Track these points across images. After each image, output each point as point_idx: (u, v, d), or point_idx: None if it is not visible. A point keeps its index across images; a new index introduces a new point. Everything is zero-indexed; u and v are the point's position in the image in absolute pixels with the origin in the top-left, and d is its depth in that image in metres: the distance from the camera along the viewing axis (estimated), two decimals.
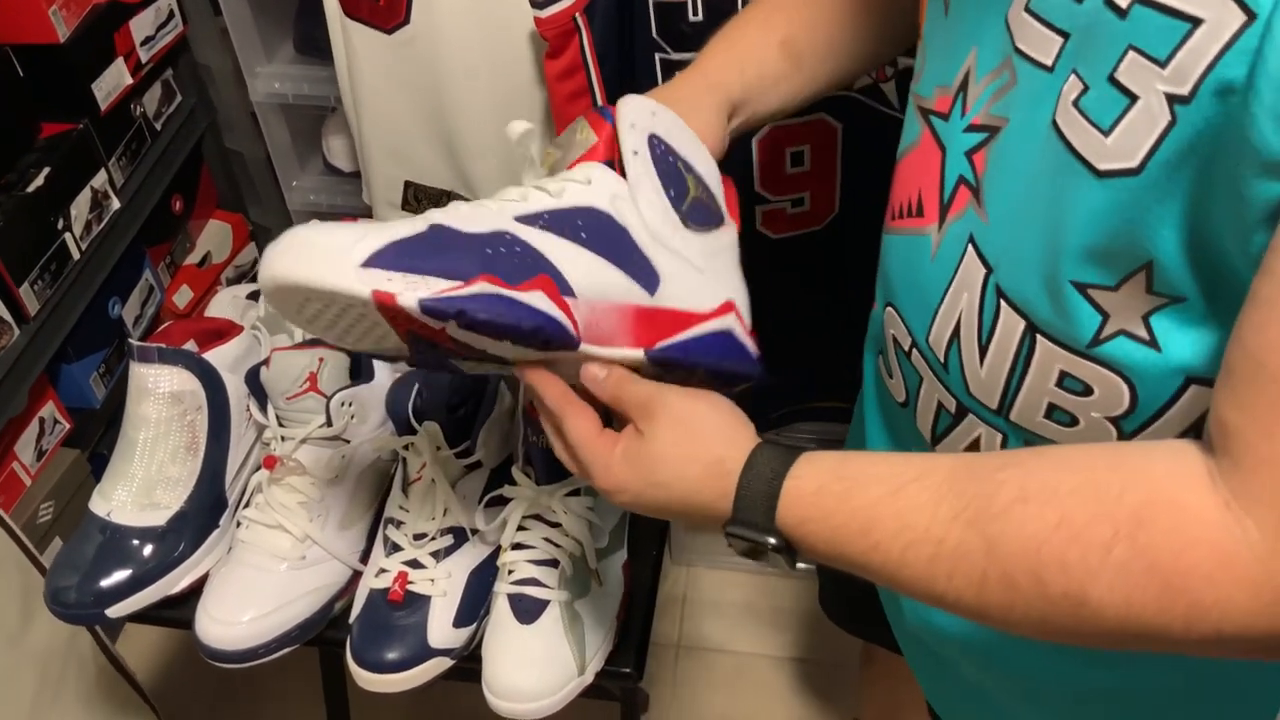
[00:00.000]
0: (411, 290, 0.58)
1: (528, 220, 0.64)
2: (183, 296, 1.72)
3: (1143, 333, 0.53)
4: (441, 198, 1.30)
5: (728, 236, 0.72)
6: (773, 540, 0.59)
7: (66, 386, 1.52)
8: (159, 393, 0.96)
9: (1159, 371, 0.54)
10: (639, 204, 0.67)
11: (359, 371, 1.00)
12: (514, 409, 0.97)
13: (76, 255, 1.45)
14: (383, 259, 0.59)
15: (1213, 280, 0.49)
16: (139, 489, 0.96)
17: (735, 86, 0.74)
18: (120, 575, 0.95)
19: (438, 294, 0.58)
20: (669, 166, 0.68)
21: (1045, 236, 0.54)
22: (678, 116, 0.70)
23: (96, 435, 1.60)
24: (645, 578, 1.00)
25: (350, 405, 0.96)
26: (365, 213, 1.38)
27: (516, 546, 0.91)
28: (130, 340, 0.97)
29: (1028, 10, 0.55)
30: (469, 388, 0.96)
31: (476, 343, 0.63)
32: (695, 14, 1.05)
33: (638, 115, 0.68)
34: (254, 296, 1.12)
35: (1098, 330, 0.54)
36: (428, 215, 0.63)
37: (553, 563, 0.90)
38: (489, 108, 1.20)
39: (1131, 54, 0.48)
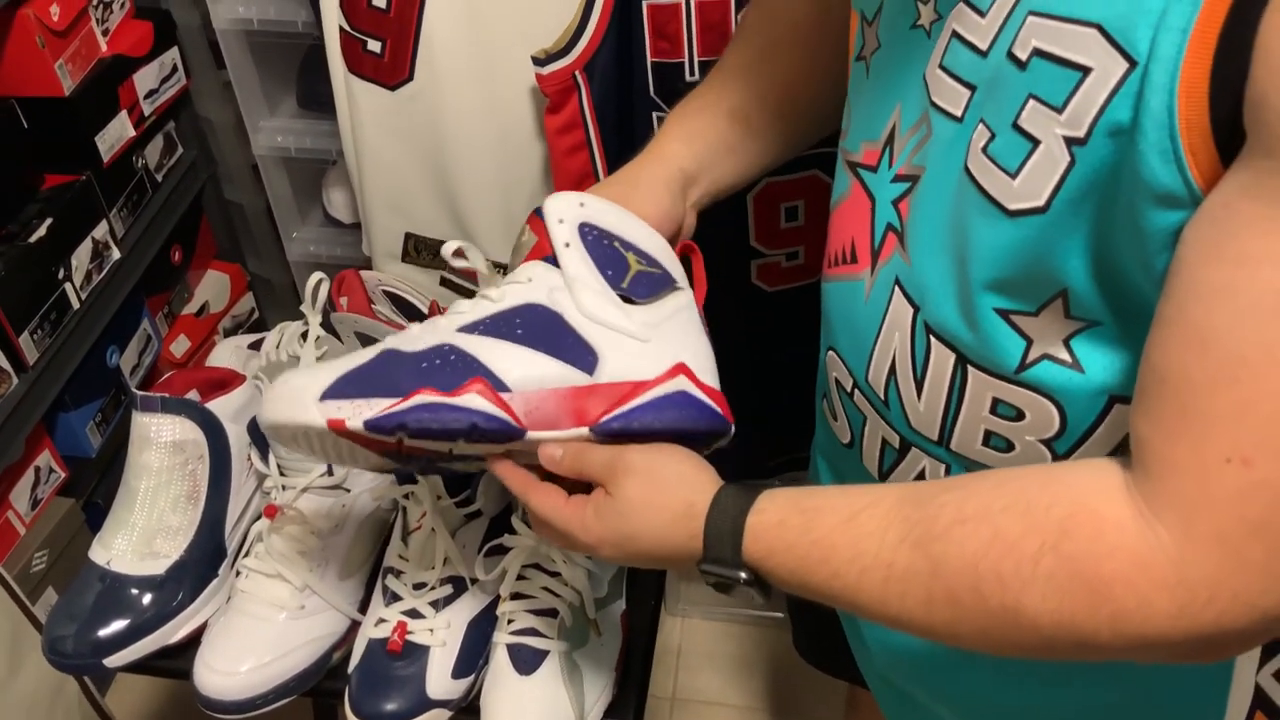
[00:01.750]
0: (357, 414, 0.67)
1: (468, 329, 0.71)
2: (180, 346, 1.73)
3: (1065, 356, 0.56)
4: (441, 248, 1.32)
5: (681, 300, 0.75)
6: (743, 575, 0.63)
7: (63, 435, 1.52)
8: (161, 442, 0.97)
9: (1083, 393, 0.57)
10: (574, 290, 0.72)
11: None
12: None
13: (76, 304, 1.46)
14: (336, 390, 0.68)
15: (1123, 305, 0.52)
16: (139, 538, 0.96)
17: (687, 159, 0.78)
18: (118, 625, 0.95)
19: (379, 413, 0.67)
20: (604, 250, 0.73)
21: (963, 273, 0.58)
22: (609, 203, 0.75)
23: (91, 484, 1.60)
24: (643, 628, 1.00)
25: None
26: (365, 264, 1.39)
27: (516, 596, 0.91)
28: (133, 390, 0.98)
29: (941, 67, 0.59)
30: None
31: (434, 446, 0.70)
32: (692, 74, 1.07)
33: (565, 211, 0.74)
34: (255, 346, 1.13)
35: (1023, 355, 0.57)
36: (383, 342, 0.72)
37: (552, 612, 0.91)
38: (490, 161, 1.22)
39: (1032, 102, 0.51)
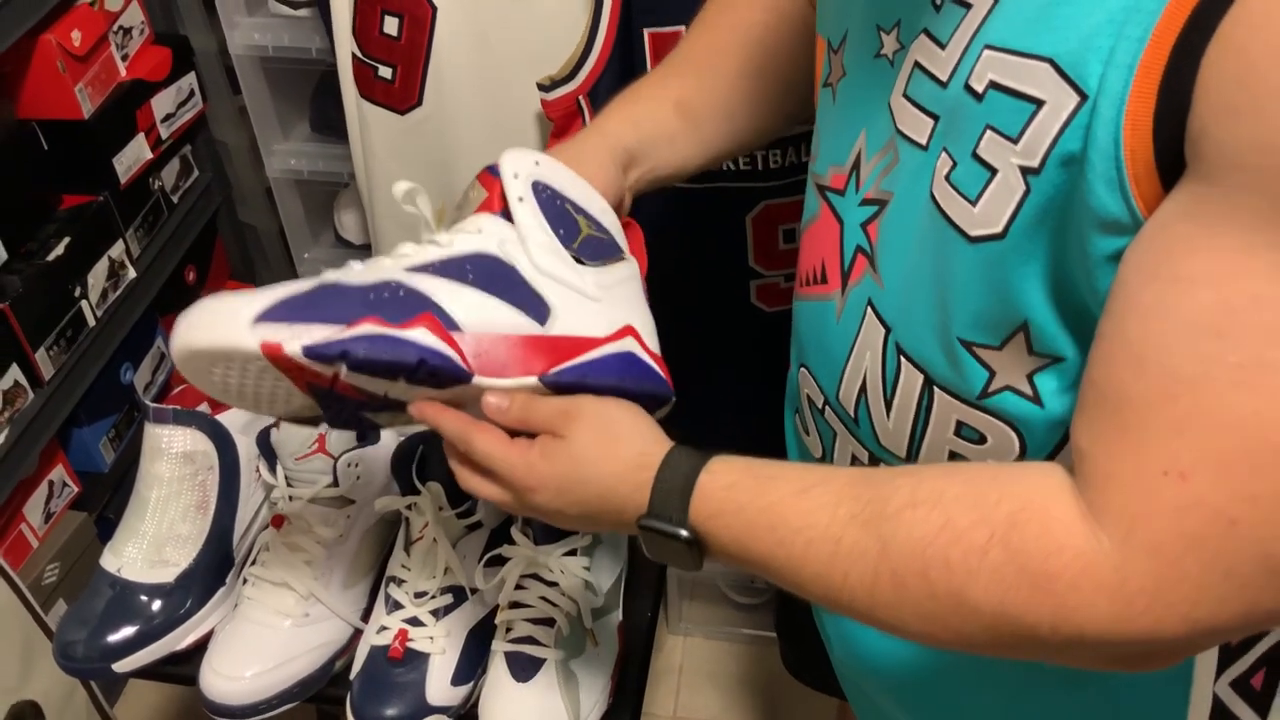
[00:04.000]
0: (296, 339, 0.62)
1: (417, 269, 0.68)
2: None
3: (1027, 389, 0.58)
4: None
5: (628, 270, 0.75)
6: (684, 533, 0.62)
7: (76, 450, 1.55)
8: (172, 452, 0.99)
9: (1041, 425, 0.58)
10: (527, 244, 0.70)
11: (365, 434, 1.03)
12: None
13: (92, 322, 1.50)
14: (272, 314, 0.63)
15: (1084, 340, 0.53)
16: (149, 546, 0.99)
17: (630, 138, 0.79)
18: (128, 631, 0.97)
19: (321, 339, 0.62)
20: (556, 209, 0.72)
21: (934, 298, 0.59)
22: (564, 165, 0.74)
23: (104, 499, 1.63)
24: (640, 639, 1.02)
25: (356, 466, 0.99)
26: None
27: (514, 605, 0.94)
28: (146, 401, 1.01)
29: (905, 96, 0.61)
30: None
31: (371, 385, 0.66)
32: None
33: (520, 166, 0.72)
34: None
35: (985, 385, 0.59)
36: (321, 276, 0.67)
37: (549, 621, 0.93)
38: None
39: (989, 133, 0.53)
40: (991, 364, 0.58)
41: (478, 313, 0.67)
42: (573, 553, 0.95)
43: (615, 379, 0.71)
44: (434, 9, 1.15)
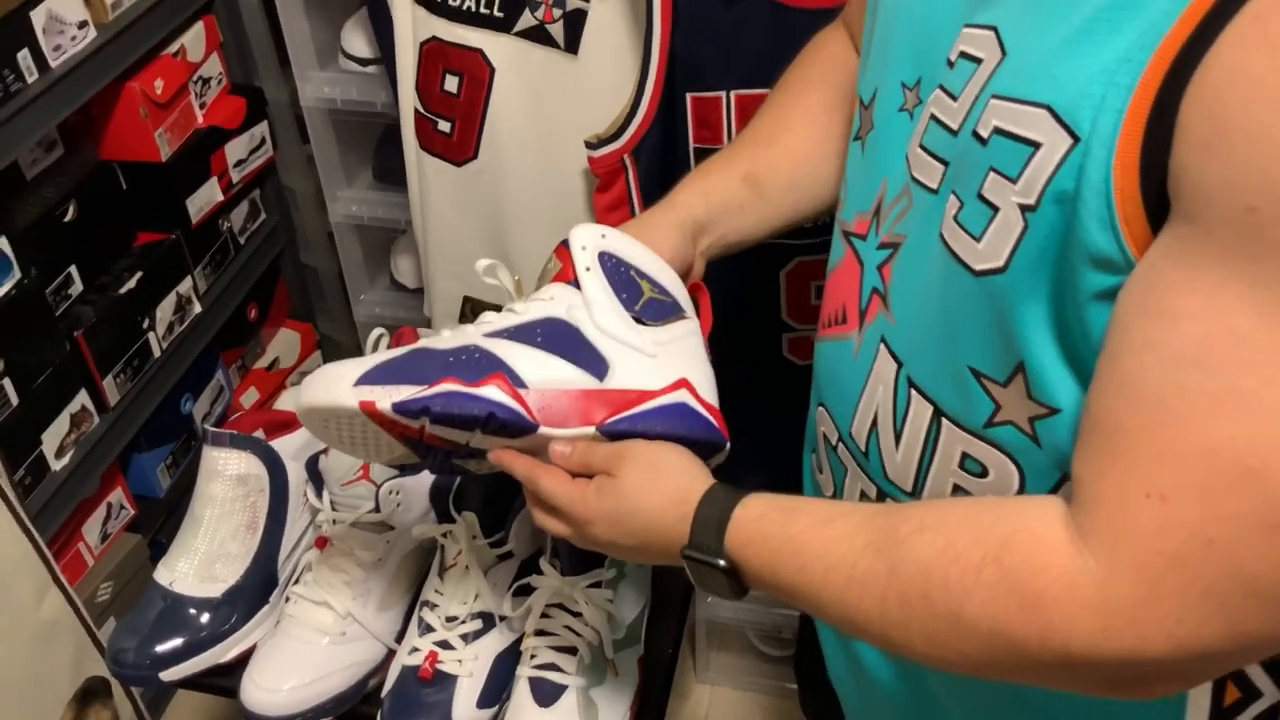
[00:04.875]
0: (387, 397, 0.73)
1: (493, 335, 0.78)
2: (249, 398, 1.84)
3: (1027, 429, 0.61)
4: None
5: (688, 327, 0.83)
6: (721, 562, 0.67)
7: (135, 475, 1.63)
8: (227, 474, 1.06)
9: (1041, 463, 0.61)
10: (591, 308, 0.79)
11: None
12: None
13: (157, 353, 1.58)
14: (370, 377, 0.75)
15: (1083, 392, 0.56)
16: (201, 562, 1.05)
17: (699, 209, 0.85)
18: (176, 641, 1.03)
19: (406, 397, 0.73)
20: (620, 275, 0.80)
21: (943, 332, 0.64)
22: (629, 236, 0.82)
23: (157, 523, 1.69)
24: (660, 674, 1.05)
25: (397, 494, 1.04)
26: (425, 324, 1.49)
27: (539, 633, 0.98)
28: (204, 425, 1.07)
29: (921, 146, 0.66)
30: (504, 483, 1.04)
31: (452, 435, 0.76)
32: None
33: (588, 239, 0.81)
34: None
35: (991, 415, 0.62)
36: (417, 343, 0.79)
37: (572, 650, 0.97)
38: (544, 233, 1.31)
39: (992, 174, 0.57)
40: (997, 397, 0.62)
41: (543, 371, 0.76)
42: (597, 585, 0.99)
43: (667, 428, 0.78)
44: (492, 69, 1.23)
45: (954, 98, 0.63)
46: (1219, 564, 0.50)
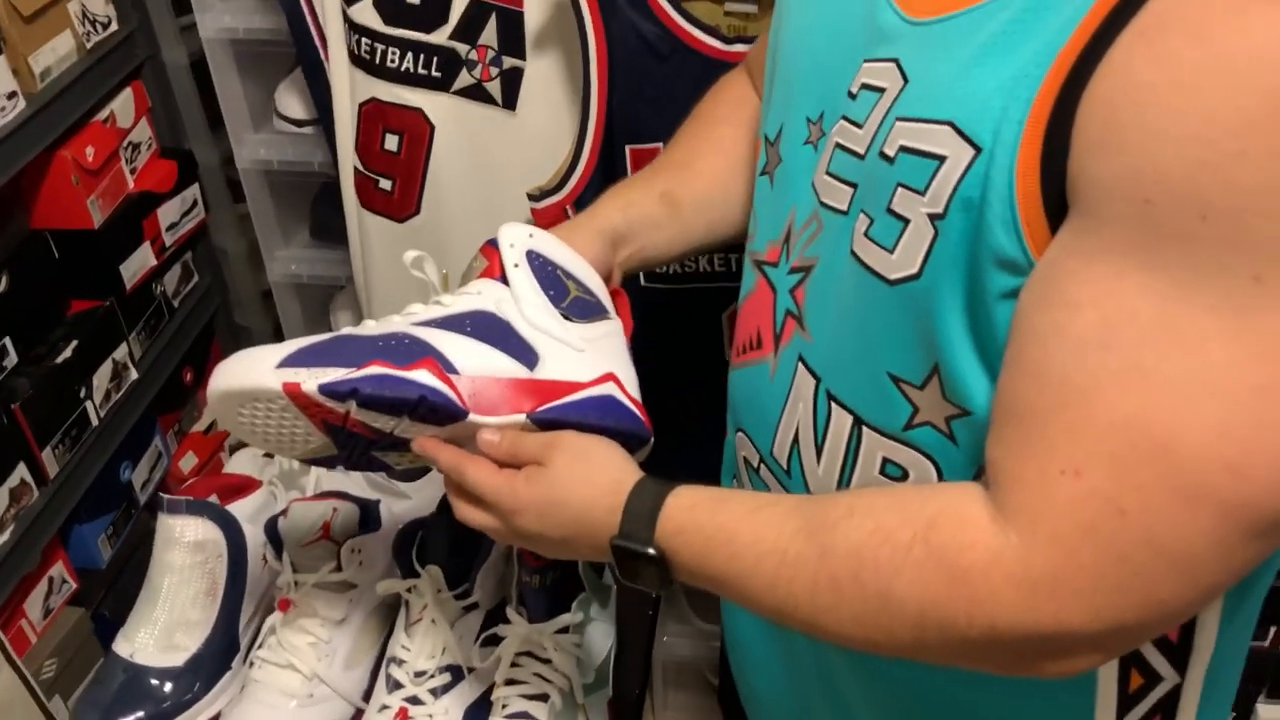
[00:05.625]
0: (313, 379, 0.72)
1: (422, 324, 0.78)
2: (188, 462, 1.81)
3: (944, 428, 0.65)
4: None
5: (612, 326, 0.85)
6: (651, 550, 0.69)
7: (75, 547, 1.59)
8: (184, 541, 1.05)
9: (958, 461, 0.65)
10: (520, 303, 0.80)
11: (367, 521, 1.09)
12: (509, 553, 1.07)
13: (95, 422, 1.55)
14: (294, 360, 0.74)
15: (990, 394, 0.60)
16: (161, 631, 1.04)
17: (618, 221, 0.89)
18: (139, 713, 1.02)
19: (334, 379, 0.72)
20: (547, 274, 0.82)
21: (860, 343, 0.67)
22: (555, 237, 0.85)
23: (99, 596, 1.66)
24: (630, 716, 1.07)
25: (359, 552, 1.05)
26: None
27: (510, 682, 0.99)
28: (160, 494, 1.07)
29: (827, 173, 0.70)
30: (468, 534, 1.05)
31: (378, 422, 0.75)
32: None
33: (516, 237, 0.83)
34: (269, 455, 1.22)
35: (909, 419, 0.66)
36: (337, 331, 0.78)
37: (543, 697, 0.98)
38: None
39: (900, 189, 0.61)
40: (915, 400, 0.65)
41: (473, 358, 0.77)
42: (565, 630, 1.01)
43: (596, 418, 0.79)
44: (432, 127, 1.25)
45: (859, 125, 0.67)
46: (1132, 532, 0.53)
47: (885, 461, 0.69)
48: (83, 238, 1.53)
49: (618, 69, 1.12)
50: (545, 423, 0.77)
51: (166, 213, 1.66)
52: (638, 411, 0.82)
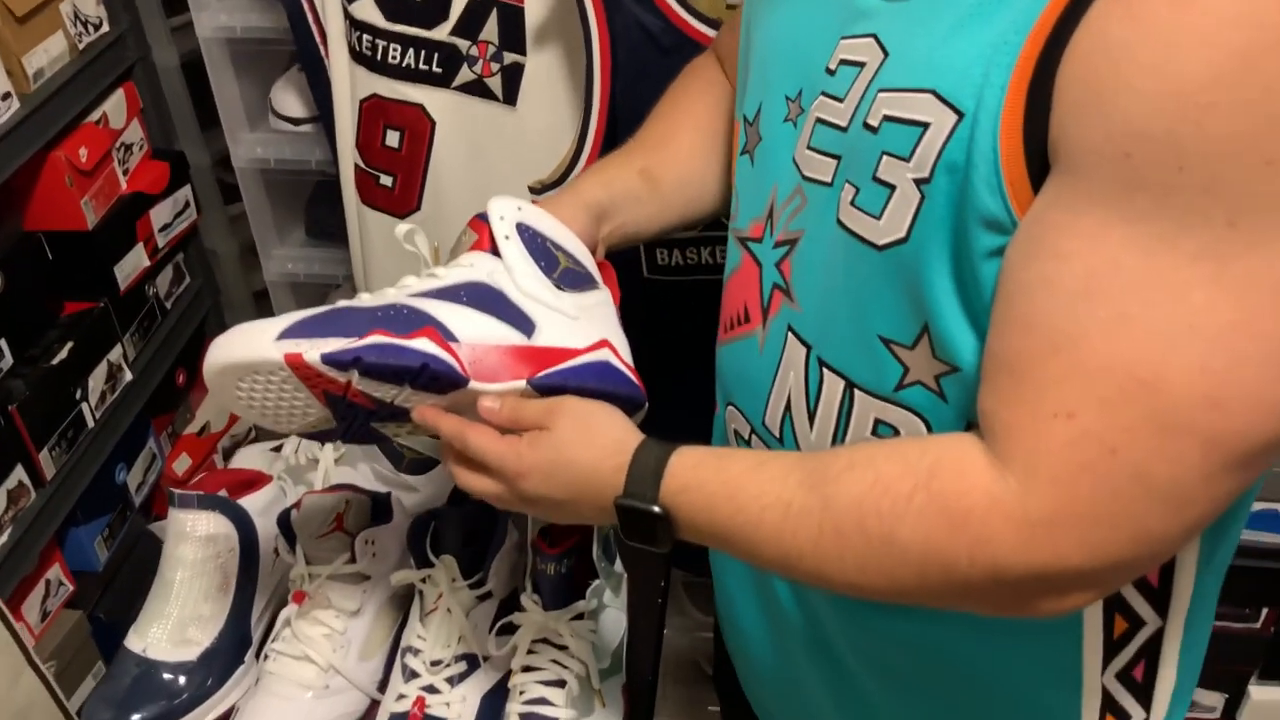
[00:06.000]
0: (315, 349, 0.72)
1: (417, 295, 0.79)
2: (182, 464, 1.81)
3: (934, 386, 0.67)
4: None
5: (602, 296, 0.87)
6: (656, 509, 0.71)
7: (72, 549, 1.58)
8: (196, 536, 1.05)
9: (948, 417, 0.67)
10: (513, 273, 0.81)
11: (380, 513, 1.10)
12: (522, 543, 1.07)
13: (91, 423, 1.55)
14: (293, 331, 0.74)
15: (979, 351, 0.62)
16: (174, 626, 1.04)
17: (601, 195, 0.91)
18: (152, 709, 1.02)
19: (337, 349, 0.72)
20: (537, 245, 0.83)
21: (850, 309, 0.69)
22: (543, 210, 0.86)
23: (95, 598, 1.65)
24: (643, 702, 1.08)
25: (372, 544, 1.05)
26: None
27: (526, 669, 1.00)
28: (171, 489, 1.07)
29: (809, 148, 0.72)
30: (481, 524, 1.06)
31: (379, 392, 0.76)
32: None
33: (506, 210, 0.84)
34: (278, 449, 1.22)
35: (900, 379, 0.68)
36: (334, 304, 0.78)
37: (560, 683, 0.99)
38: None
39: (885, 157, 0.64)
40: (905, 360, 0.67)
41: (472, 327, 0.78)
42: (579, 617, 1.01)
43: (594, 383, 0.80)
44: (433, 123, 1.26)
45: (839, 99, 0.69)
46: (1123, 469, 0.55)
47: (877, 422, 0.71)
48: (76, 239, 1.52)
49: (620, 62, 1.14)
50: (544, 388, 0.78)
51: (159, 214, 1.65)
52: (632, 376, 0.83)
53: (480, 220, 0.84)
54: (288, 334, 0.73)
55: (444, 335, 0.76)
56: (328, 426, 0.81)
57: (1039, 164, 0.57)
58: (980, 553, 0.59)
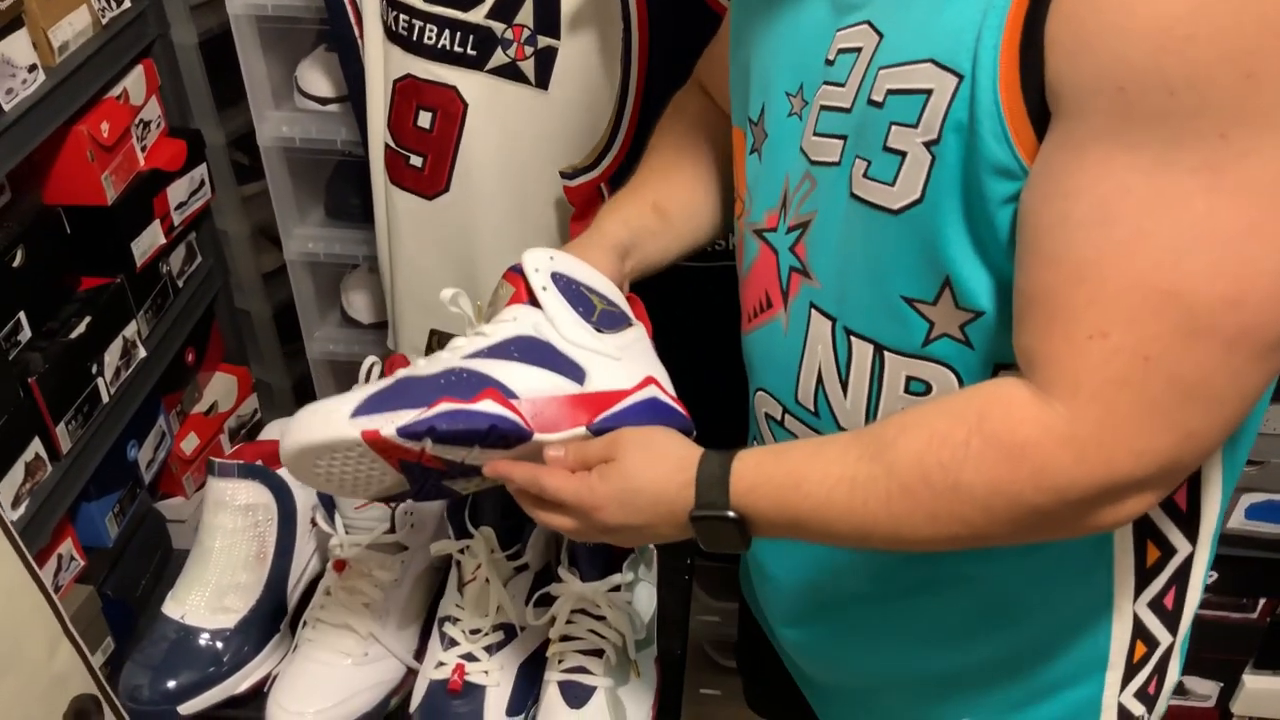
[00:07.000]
0: (390, 423, 0.77)
1: (471, 356, 0.83)
2: (189, 443, 1.81)
3: (959, 335, 0.71)
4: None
5: (638, 332, 0.90)
6: (731, 513, 0.73)
7: (83, 524, 1.59)
8: (235, 504, 1.06)
9: (975, 364, 0.71)
10: (556, 323, 0.85)
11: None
12: None
13: (106, 399, 1.55)
14: (366, 408, 0.78)
15: (1000, 294, 0.67)
16: (212, 593, 1.05)
17: (623, 234, 0.95)
18: (190, 674, 1.03)
19: (410, 421, 0.77)
20: (573, 292, 0.87)
21: (871, 275, 0.73)
22: (573, 256, 0.90)
23: (104, 574, 1.65)
24: (674, 674, 1.10)
25: (411, 514, 1.07)
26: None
27: (565, 638, 1.02)
28: (212, 459, 1.08)
29: (815, 134, 0.76)
30: None
31: (451, 454, 0.80)
32: None
33: (539, 262, 0.88)
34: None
35: (927, 334, 0.72)
36: (395, 374, 0.82)
37: (598, 652, 1.01)
38: (513, 262, 1.35)
39: (894, 127, 0.68)
40: (930, 316, 0.71)
41: (529, 381, 0.82)
42: (616, 589, 1.03)
43: (647, 420, 0.84)
44: (465, 105, 1.27)
45: (841, 85, 0.73)
46: (1158, 376, 0.59)
47: (909, 380, 0.74)
48: (95, 214, 1.52)
49: (658, 43, 1.16)
50: (602, 432, 0.82)
51: (175, 191, 1.65)
52: (678, 407, 0.87)
53: (514, 273, 0.88)
54: (361, 410, 0.77)
55: (505, 394, 0.80)
56: (401, 490, 0.86)
57: (1039, 112, 0.61)
58: (1042, 480, 0.63)
